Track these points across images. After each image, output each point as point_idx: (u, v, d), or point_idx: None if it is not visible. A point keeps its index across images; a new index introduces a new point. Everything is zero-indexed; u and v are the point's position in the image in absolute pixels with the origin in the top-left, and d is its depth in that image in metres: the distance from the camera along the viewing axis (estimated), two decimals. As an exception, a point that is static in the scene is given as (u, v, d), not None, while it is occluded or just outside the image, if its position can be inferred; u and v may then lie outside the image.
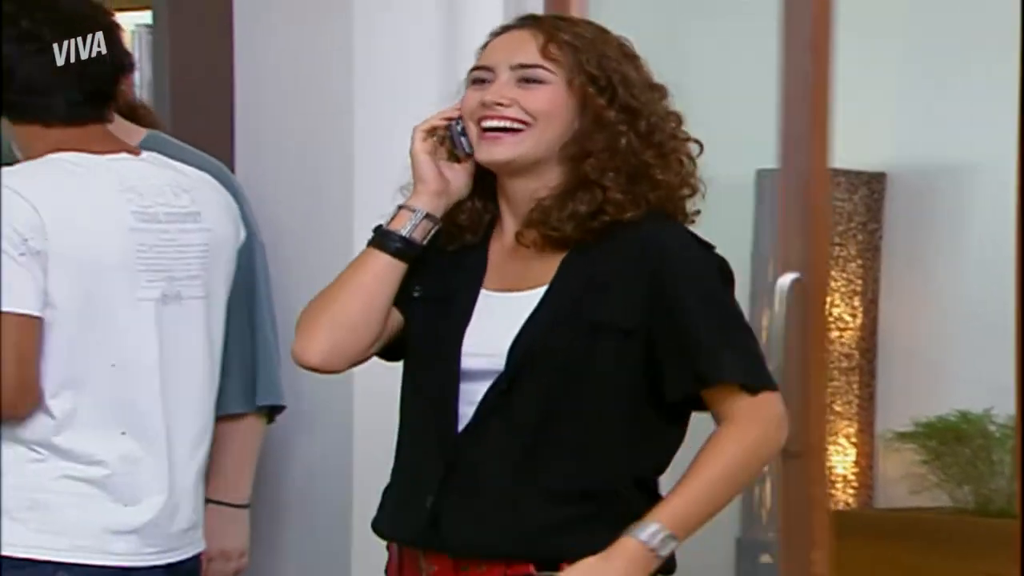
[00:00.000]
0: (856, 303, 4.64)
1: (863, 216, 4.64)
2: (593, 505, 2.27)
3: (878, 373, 4.70)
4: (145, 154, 2.68)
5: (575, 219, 2.28)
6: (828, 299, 4.58)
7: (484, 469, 2.27)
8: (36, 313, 2.49)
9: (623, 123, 2.30)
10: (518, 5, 3.13)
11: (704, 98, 4.68)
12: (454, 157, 2.36)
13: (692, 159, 2.36)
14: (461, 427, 2.29)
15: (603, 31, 2.37)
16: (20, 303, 2.48)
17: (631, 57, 2.36)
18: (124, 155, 2.64)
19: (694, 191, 2.36)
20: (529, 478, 2.26)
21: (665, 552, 2.24)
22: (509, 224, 2.36)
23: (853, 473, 4.62)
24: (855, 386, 4.64)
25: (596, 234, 2.29)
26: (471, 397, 2.29)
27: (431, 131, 2.36)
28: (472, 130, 2.33)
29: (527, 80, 2.30)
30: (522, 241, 2.32)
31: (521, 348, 2.27)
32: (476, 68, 2.35)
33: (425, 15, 3.19)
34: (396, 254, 2.35)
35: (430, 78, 3.11)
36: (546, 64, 2.30)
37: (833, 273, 4.59)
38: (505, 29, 2.37)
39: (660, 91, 2.37)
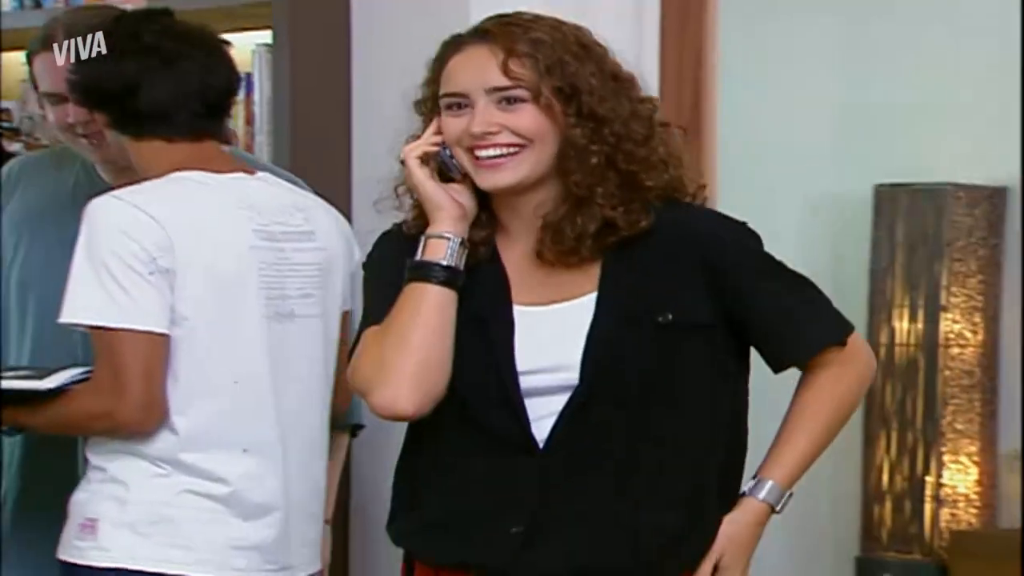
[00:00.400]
0: (977, 319, 4.57)
1: (984, 231, 4.58)
2: (694, 510, 2.26)
3: (1000, 391, 4.63)
4: (259, 173, 2.70)
5: (588, 237, 2.24)
6: (949, 316, 4.53)
7: (578, 488, 2.23)
8: (163, 331, 2.52)
9: (592, 140, 2.23)
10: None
11: (822, 114, 4.68)
12: (446, 178, 2.28)
13: (668, 158, 2.28)
14: (540, 448, 2.23)
15: (557, 27, 2.26)
16: (148, 321, 2.51)
17: (589, 49, 2.26)
18: (242, 174, 2.66)
19: (666, 169, 2.28)
20: (628, 491, 2.24)
21: (781, 507, 2.28)
22: (520, 237, 2.29)
23: (975, 492, 4.56)
24: (976, 404, 4.58)
25: (621, 241, 2.25)
26: (541, 415, 2.23)
27: (424, 157, 2.28)
28: (462, 156, 2.26)
29: (507, 100, 2.23)
30: (545, 259, 2.26)
31: (594, 357, 2.22)
32: (448, 95, 2.26)
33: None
34: (445, 283, 2.24)
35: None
36: (514, 83, 2.22)
37: (953, 289, 4.53)
38: (459, 44, 2.28)
39: (627, 82, 2.28)
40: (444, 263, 2.24)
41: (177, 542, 2.53)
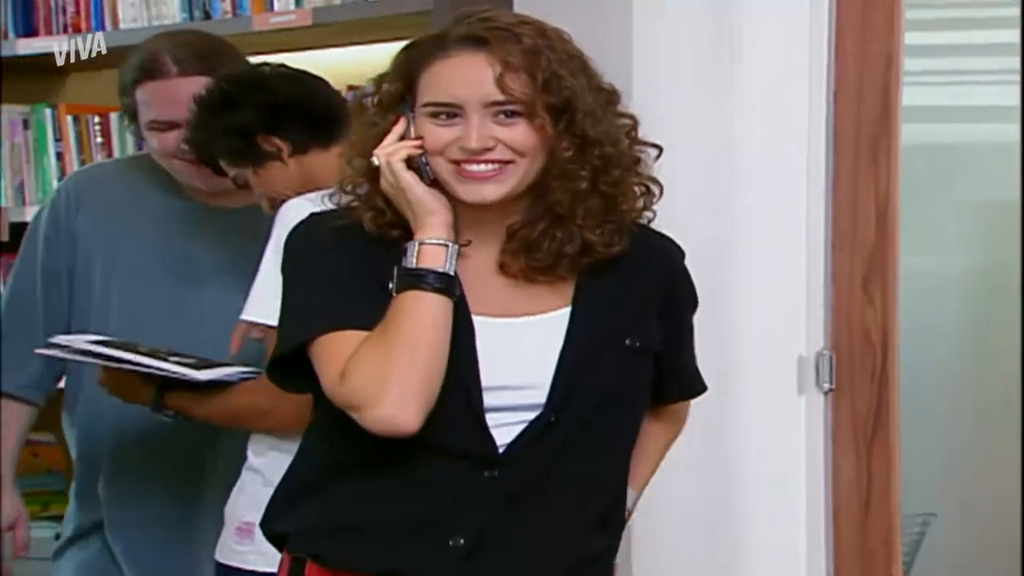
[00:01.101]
0: None
1: None
2: (619, 527, 2.29)
3: None
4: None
5: (565, 257, 2.21)
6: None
7: (530, 507, 2.20)
8: None
9: (581, 162, 2.19)
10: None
11: (993, 117, 4.58)
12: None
13: (649, 181, 2.27)
14: (498, 463, 2.19)
15: (543, 33, 2.21)
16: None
17: (576, 58, 2.22)
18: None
19: (650, 194, 2.27)
20: (580, 514, 2.22)
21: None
22: (477, 245, 2.24)
23: None
24: None
25: (594, 262, 2.23)
26: (499, 431, 2.19)
27: (407, 162, 2.20)
28: (441, 166, 2.20)
29: (504, 114, 2.18)
30: (509, 271, 2.23)
31: (567, 376, 2.19)
32: (438, 104, 2.19)
33: (702, 45, 3.17)
34: (445, 292, 2.18)
35: (707, 110, 3.08)
36: (513, 98, 2.17)
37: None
38: (444, 48, 2.20)
39: (611, 95, 2.25)
40: (442, 270, 2.18)
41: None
